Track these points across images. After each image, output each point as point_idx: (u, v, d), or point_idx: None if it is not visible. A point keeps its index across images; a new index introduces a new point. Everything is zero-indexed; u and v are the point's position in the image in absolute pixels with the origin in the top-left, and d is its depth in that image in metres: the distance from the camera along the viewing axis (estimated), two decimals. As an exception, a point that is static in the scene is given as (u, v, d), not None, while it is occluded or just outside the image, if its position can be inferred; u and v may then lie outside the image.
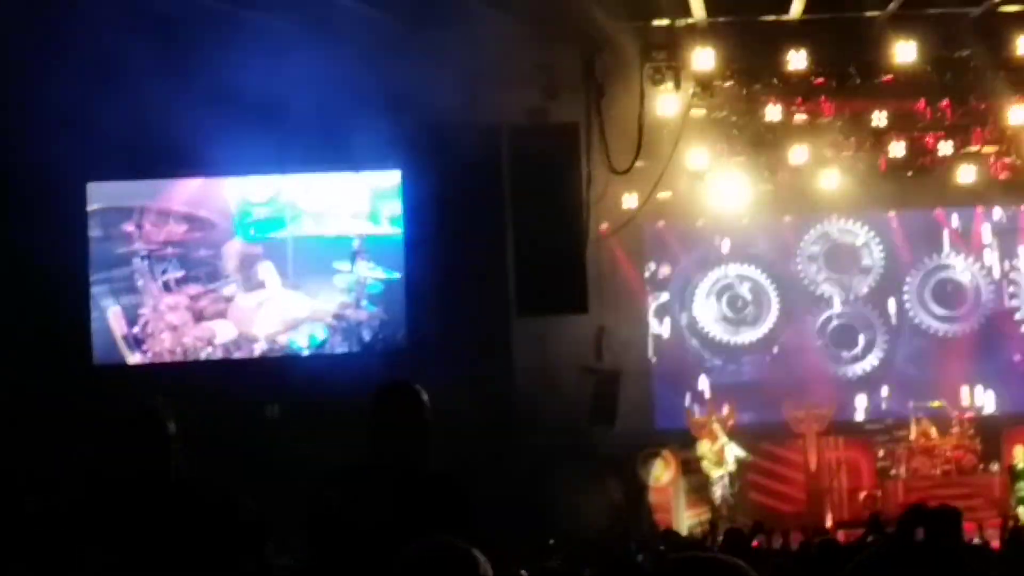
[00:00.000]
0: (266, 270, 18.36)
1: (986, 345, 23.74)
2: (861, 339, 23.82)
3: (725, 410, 22.35)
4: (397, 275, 18.25)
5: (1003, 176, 21.88)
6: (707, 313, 23.89)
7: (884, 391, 23.46)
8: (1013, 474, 20.28)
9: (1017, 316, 23.84)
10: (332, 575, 4.44)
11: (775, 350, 23.66)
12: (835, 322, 23.93)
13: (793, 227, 24.00)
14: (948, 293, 23.92)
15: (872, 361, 23.75)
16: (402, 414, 4.81)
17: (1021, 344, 23.70)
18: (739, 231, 23.79)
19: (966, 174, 21.42)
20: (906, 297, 23.86)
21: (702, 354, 23.79)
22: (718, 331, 23.83)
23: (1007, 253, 23.96)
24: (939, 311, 23.86)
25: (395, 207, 18.24)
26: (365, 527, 4.34)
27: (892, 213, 23.36)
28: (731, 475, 21.33)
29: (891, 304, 23.84)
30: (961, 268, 23.92)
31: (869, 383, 23.56)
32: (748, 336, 23.73)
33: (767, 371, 23.27)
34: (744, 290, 23.94)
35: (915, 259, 23.91)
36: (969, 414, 22.84)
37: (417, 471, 4.71)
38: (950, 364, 23.53)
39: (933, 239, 23.98)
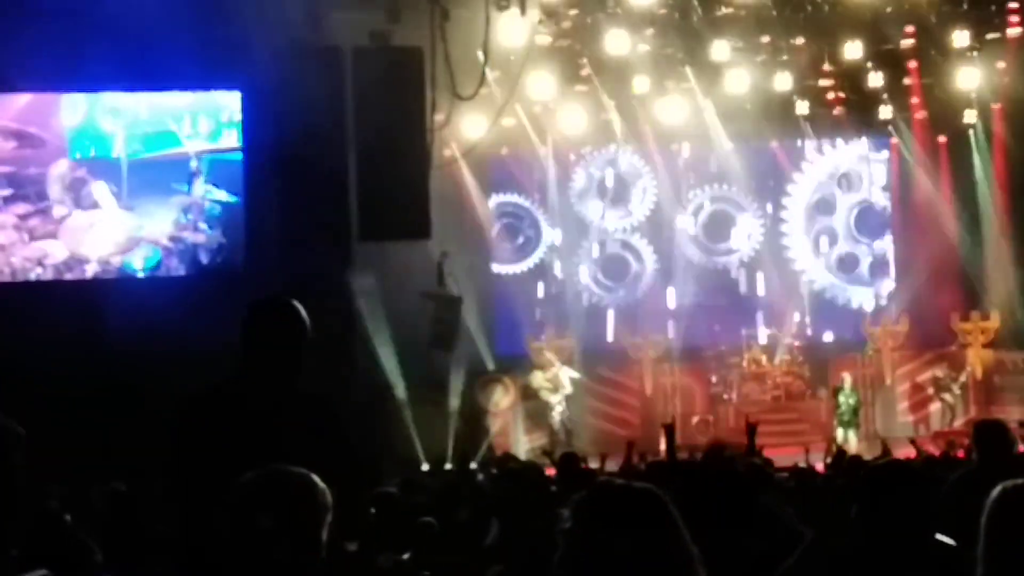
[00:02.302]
0: (100, 190, 17.83)
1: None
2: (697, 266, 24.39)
3: (563, 337, 22.66)
4: (236, 198, 17.93)
5: (837, 111, 22.49)
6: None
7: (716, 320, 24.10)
8: (837, 398, 20.97)
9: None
10: (200, 496, 4.30)
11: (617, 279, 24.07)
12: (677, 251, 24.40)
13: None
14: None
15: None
16: (279, 331, 4.68)
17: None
18: (581, 159, 24.06)
19: (802, 108, 21.96)
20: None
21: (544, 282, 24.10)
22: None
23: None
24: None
25: (235, 129, 17.86)
26: (235, 447, 4.23)
27: (731, 145, 23.75)
28: (568, 398, 21.66)
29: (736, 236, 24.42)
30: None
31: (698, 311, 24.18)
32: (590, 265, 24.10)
33: (607, 299, 23.59)
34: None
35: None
36: (798, 342, 23.60)
37: (292, 390, 4.62)
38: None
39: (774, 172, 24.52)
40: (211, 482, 3.82)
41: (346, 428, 4.61)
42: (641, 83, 20.73)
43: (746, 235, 24.40)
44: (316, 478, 3.30)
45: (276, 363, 4.62)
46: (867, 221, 24.56)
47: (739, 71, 20.74)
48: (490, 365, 22.36)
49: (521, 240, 24.26)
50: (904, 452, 15.31)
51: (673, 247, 24.33)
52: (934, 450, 16.09)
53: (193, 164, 17.97)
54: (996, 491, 2.70)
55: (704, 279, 24.33)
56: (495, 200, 23.87)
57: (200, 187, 17.96)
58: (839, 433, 20.42)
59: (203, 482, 4.17)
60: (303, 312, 4.70)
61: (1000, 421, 8.20)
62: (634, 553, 2.52)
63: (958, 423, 21.83)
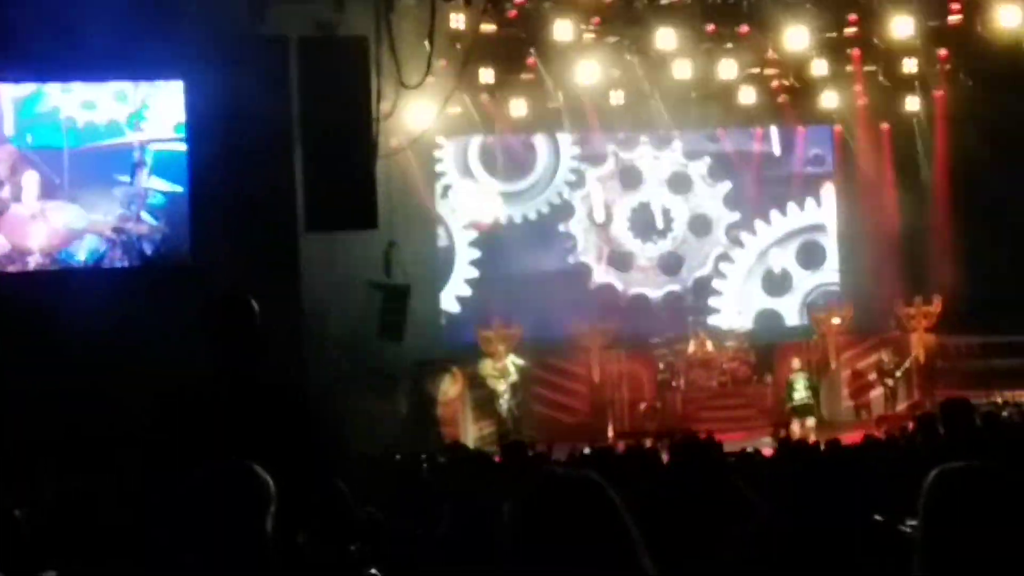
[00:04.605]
0: (29, 180, 17.59)
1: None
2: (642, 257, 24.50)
3: (511, 326, 22.68)
4: (180, 188, 17.78)
5: (781, 98, 22.66)
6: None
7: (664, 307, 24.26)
8: (788, 384, 21.06)
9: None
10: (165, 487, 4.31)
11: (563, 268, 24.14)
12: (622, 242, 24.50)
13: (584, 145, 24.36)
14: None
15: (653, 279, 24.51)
16: (238, 326, 4.79)
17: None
18: (530, 147, 24.11)
19: (747, 95, 22.09)
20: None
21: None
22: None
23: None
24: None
25: (178, 119, 17.71)
26: (199, 441, 4.29)
27: (676, 132, 23.86)
28: (514, 386, 21.70)
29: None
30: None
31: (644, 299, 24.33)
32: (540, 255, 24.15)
33: (554, 288, 23.62)
34: (531, 210, 24.28)
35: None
36: (744, 328, 23.79)
37: (253, 383, 4.70)
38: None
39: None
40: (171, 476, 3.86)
41: (306, 419, 4.68)
42: (586, 71, 20.77)
43: (692, 221, 24.57)
44: (259, 469, 3.31)
45: (238, 357, 4.71)
46: (812, 208, 24.78)
47: (684, 59, 20.84)
48: (438, 354, 22.37)
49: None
50: (852, 437, 15.49)
51: (620, 234, 24.44)
52: (878, 434, 16.26)
53: (136, 155, 17.78)
54: (933, 473, 2.75)
55: (650, 266, 24.46)
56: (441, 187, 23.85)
57: (143, 178, 17.79)
58: (796, 423, 20.46)
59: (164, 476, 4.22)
60: (255, 306, 4.81)
61: (965, 399, 8.38)
62: (576, 541, 2.54)
63: (901, 407, 22.11)
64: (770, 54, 21.41)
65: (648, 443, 17.38)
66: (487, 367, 21.86)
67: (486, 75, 20.45)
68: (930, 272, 22.68)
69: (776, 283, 24.66)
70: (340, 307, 18.82)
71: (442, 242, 23.83)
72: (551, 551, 2.54)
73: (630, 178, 24.51)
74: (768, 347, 23.44)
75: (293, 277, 17.72)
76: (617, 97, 21.80)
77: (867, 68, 22.02)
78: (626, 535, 2.59)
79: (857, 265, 24.22)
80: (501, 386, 21.66)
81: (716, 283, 24.49)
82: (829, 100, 22.48)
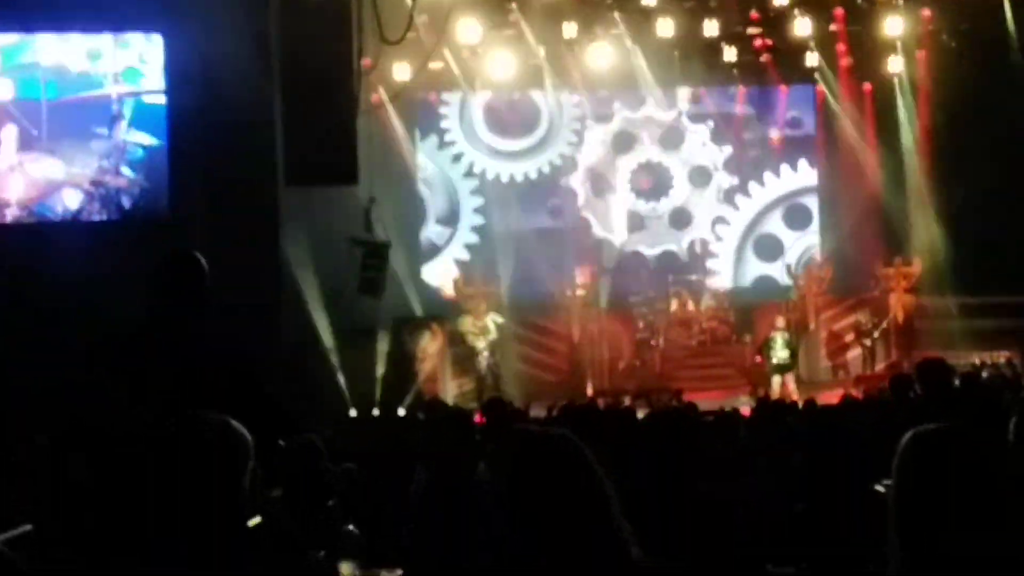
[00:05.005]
0: (8, 132, 17.45)
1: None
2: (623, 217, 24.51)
3: (492, 283, 22.69)
4: (159, 141, 17.65)
5: (764, 57, 22.58)
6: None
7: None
8: (766, 342, 21.04)
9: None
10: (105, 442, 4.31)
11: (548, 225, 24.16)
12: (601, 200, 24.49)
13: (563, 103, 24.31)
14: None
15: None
16: (182, 283, 4.78)
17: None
18: (510, 104, 24.05)
19: (730, 54, 22.01)
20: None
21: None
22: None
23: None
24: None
25: (158, 72, 17.56)
26: (140, 397, 4.28)
27: (659, 90, 23.81)
28: (494, 344, 21.72)
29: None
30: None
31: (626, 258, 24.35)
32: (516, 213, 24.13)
33: (535, 247, 23.60)
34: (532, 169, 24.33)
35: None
36: (724, 287, 23.83)
37: (198, 339, 4.69)
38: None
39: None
40: (115, 429, 3.85)
41: (258, 376, 4.66)
42: (569, 28, 20.65)
43: (675, 182, 24.57)
44: (237, 424, 3.28)
45: (178, 312, 4.72)
46: (794, 166, 24.78)
47: (667, 17, 20.74)
48: (418, 311, 22.35)
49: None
50: (830, 397, 15.59)
51: (605, 194, 24.45)
52: (856, 394, 16.34)
53: (115, 107, 17.64)
54: (907, 436, 2.74)
55: (632, 225, 24.47)
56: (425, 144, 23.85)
57: (122, 131, 17.65)
58: (775, 380, 20.49)
59: (107, 429, 4.20)
60: (202, 262, 4.80)
61: (941, 359, 8.41)
62: (550, 499, 2.54)
63: (879, 367, 22.21)
64: (753, 13, 21.33)
65: (627, 401, 17.45)
66: (467, 324, 21.84)
67: (468, 31, 20.31)
68: (910, 233, 22.74)
69: (767, 248, 24.65)
70: (320, 263, 18.76)
71: (439, 206, 23.86)
72: (526, 508, 2.54)
73: (628, 137, 24.48)
74: (748, 307, 23.49)
75: (272, 232, 17.64)
76: (599, 55, 21.68)
77: (850, 28, 21.96)
78: (600, 493, 2.59)
79: (837, 226, 24.23)
80: (481, 343, 21.66)
81: (713, 246, 24.56)
82: (812, 59, 22.41)
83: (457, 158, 24.30)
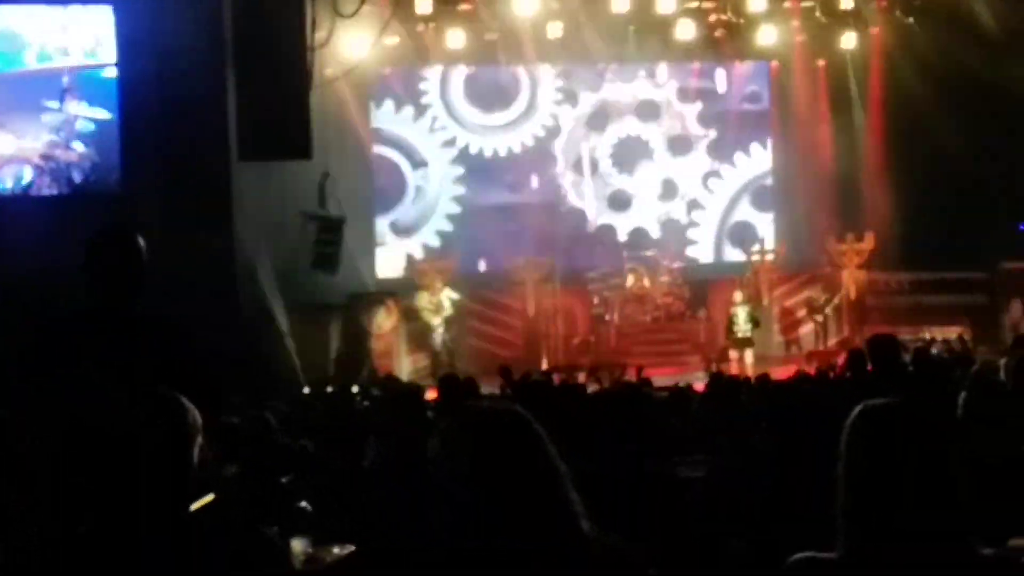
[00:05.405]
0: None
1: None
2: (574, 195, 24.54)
3: (447, 259, 22.66)
4: (110, 115, 17.46)
5: (719, 33, 22.58)
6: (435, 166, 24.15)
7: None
8: (730, 317, 20.95)
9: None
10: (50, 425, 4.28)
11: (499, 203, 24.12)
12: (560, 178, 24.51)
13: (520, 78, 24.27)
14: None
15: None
16: (118, 260, 4.70)
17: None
18: (465, 80, 23.99)
19: (685, 30, 21.99)
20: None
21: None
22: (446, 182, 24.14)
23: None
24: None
25: (109, 45, 17.34)
26: (83, 375, 4.24)
27: (614, 65, 23.82)
28: (447, 320, 21.70)
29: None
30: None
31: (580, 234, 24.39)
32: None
33: (491, 222, 23.58)
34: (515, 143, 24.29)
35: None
36: (678, 263, 23.90)
37: (134, 316, 4.63)
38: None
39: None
40: (55, 409, 3.82)
41: (191, 351, 4.61)
42: (523, 3, 20.58)
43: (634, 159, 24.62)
44: (184, 399, 3.27)
45: (115, 290, 4.65)
46: (747, 144, 24.86)
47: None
48: (372, 287, 22.30)
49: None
50: (783, 372, 15.68)
51: (561, 171, 24.45)
52: (808, 369, 16.45)
53: (65, 80, 17.42)
54: (857, 409, 2.76)
55: (588, 200, 24.49)
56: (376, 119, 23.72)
57: (72, 104, 17.45)
58: (733, 354, 20.54)
59: (48, 408, 4.17)
60: (140, 241, 4.71)
61: (891, 335, 8.47)
62: (501, 475, 2.54)
63: (831, 343, 22.40)
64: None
65: (581, 378, 17.47)
66: (423, 300, 21.81)
67: (423, 5, 20.21)
68: (863, 209, 22.89)
69: (742, 236, 24.75)
70: (274, 238, 18.65)
71: (417, 181, 23.77)
72: (475, 483, 2.54)
73: (606, 112, 24.48)
74: (703, 283, 23.59)
75: (225, 207, 17.48)
76: (554, 30, 21.62)
77: (805, 3, 22.02)
78: (550, 467, 2.59)
79: (791, 202, 24.36)
80: (435, 320, 21.66)
81: (652, 218, 24.62)
82: (767, 36, 22.41)
83: (433, 131, 24.18)
